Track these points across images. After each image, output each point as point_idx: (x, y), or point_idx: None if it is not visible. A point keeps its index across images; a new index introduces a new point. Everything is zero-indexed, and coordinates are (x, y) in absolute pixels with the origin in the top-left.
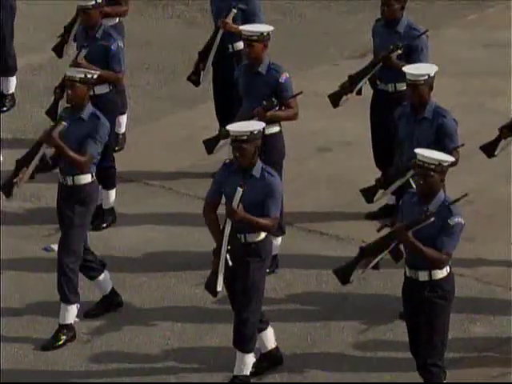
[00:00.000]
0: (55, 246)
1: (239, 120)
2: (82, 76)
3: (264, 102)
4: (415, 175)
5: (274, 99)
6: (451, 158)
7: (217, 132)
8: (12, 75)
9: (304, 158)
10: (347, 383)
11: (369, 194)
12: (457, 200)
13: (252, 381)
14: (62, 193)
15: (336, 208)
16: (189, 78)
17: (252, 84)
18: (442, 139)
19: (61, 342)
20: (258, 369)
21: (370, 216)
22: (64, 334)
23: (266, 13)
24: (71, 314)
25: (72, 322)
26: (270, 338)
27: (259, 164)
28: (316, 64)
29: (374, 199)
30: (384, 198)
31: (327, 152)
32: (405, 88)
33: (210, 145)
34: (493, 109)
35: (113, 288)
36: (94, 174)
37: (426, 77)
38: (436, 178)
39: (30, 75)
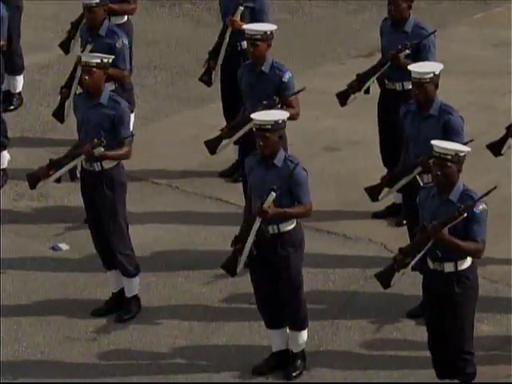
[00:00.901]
0: (63, 245)
1: (239, 125)
2: (98, 61)
3: (264, 102)
4: (422, 172)
5: (275, 97)
6: (467, 149)
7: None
8: (19, 74)
9: (311, 157)
10: (354, 383)
11: (374, 192)
12: (486, 194)
13: (268, 381)
14: (92, 180)
15: (343, 207)
16: (201, 79)
17: (255, 83)
18: (448, 136)
19: (133, 314)
20: (295, 368)
21: (377, 215)
22: (134, 304)
23: (273, 12)
24: (135, 285)
25: (137, 292)
26: (305, 339)
27: (282, 153)
28: (323, 63)
29: (380, 197)
30: (390, 197)
31: (335, 151)
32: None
33: (213, 145)
34: (501, 108)
35: (123, 288)
36: None
37: (432, 75)
38: (453, 169)
39: (38, 74)
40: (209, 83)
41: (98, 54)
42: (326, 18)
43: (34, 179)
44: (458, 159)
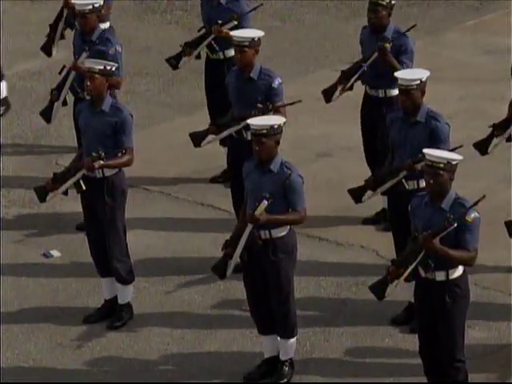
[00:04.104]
0: (54, 252)
1: (228, 124)
2: (102, 68)
3: (259, 105)
4: (407, 176)
5: (269, 103)
6: (459, 157)
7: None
8: (0, 80)
9: (304, 163)
10: None
11: (357, 194)
12: (475, 204)
13: None
14: (92, 186)
15: (335, 213)
16: (168, 60)
17: (244, 90)
18: (434, 143)
19: (124, 321)
20: (282, 376)
21: (368, 221)
22: (126, 311)
23: (265, 19)
24: (128, 292)
25: (130, 300)
26: (293, 347)
27: (278, 158)
28: (316, 69)
29: (363, 199)
30: (379, 202)
31: (327, 157)
32: (395, 94)
33: (198, 138)
34: (493, 114)
35: (116, 296)
36: None
37: (418, 81)
38: (445, 177)
39: (30, 81)
40: (175, 67)
41: (102, 61)
42: (317, 25)
43: (43, 193)
44: (451, 167)
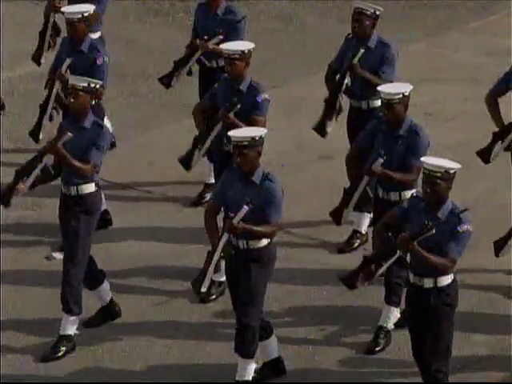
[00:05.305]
0: (57, 255)
1: (205, 134)
2: (85, 85)
3: (227, 104)
4: (370, 182)
5: (235, 99)
6: (458, 166)
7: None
8: None
9: (306, 165)
10: None
11: (336, 215)
12: (462, 211)
13: None
14: (66, 203)
15: None
16: (160, 79)
17: (231, 100)
18: (410, 155)
19: (60, 354)
20: (260, 377)
21: (370, 224)
22: (63, 345)
23: (267, 21)
24: (72, 325)
25: (72, 333)
26: (273, 347)
27: (260, 170)
28: (317, 71)
29: (342, 221)
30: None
31: (329, 160)
32: (378, 105)
33: (187, 161)
34: None
35: (111, 298)
36: (97, 183)
37: (401, 95)
38: (443, 186)
39: (32, 83)
40: (168, 85)
41: (86, 78)
42: (320, 27)
43: (7, 197)
44: (448, 176)
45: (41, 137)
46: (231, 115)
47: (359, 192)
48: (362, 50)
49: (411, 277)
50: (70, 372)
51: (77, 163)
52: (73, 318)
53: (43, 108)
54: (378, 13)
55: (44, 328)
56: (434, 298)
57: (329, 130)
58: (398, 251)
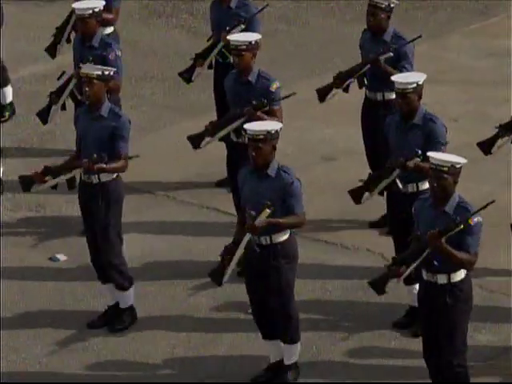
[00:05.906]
0: (61, 256)
1: (225, 123)
2: (100, 73)
3: (254, 102)
4: (406, 178)
5: (263, 99)
6: (464, 160)
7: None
8: (5, 86)
9: (309, 166)
10: None
11: (356, 195)
12: (484, 207)
13: None
14: (88, 192)
15: (341, 216)
16: (181, 74)
17: (241, 93)
18: (432, 144)
19: (125, 324)
20: (284, 380)
21: (373, 225)
22: (127, 315)
23: (270, 22)
24: (128, 297)
25: (132, 303)
26: (297, 352)
27: (275, 163)
28: (321, 72)
29: (362, 201)
30: (381, 204)
31: (333, 161)
32: (393, 97)
33: (196, 139)
34: (497, 117)
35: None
36: None
37: (415, 85)
38: (449, 180)
39: (35, 85)
40: (189, 80)
41: (100, 66)
42: (323, 28)
43: (28, 182)
44: (455, 171)
45: (49, 121)
46: (258, 113)
47: (387, 182)
48: (391, 54)
49: (424, 274)
50: (72, 372)
51: (114, 166)
52: (127, 292)
53: (57, 95)
54: (392, 5)
55: (48, 327)
56: (448, 294)
57: (327, 99)
58: (426, 251)
